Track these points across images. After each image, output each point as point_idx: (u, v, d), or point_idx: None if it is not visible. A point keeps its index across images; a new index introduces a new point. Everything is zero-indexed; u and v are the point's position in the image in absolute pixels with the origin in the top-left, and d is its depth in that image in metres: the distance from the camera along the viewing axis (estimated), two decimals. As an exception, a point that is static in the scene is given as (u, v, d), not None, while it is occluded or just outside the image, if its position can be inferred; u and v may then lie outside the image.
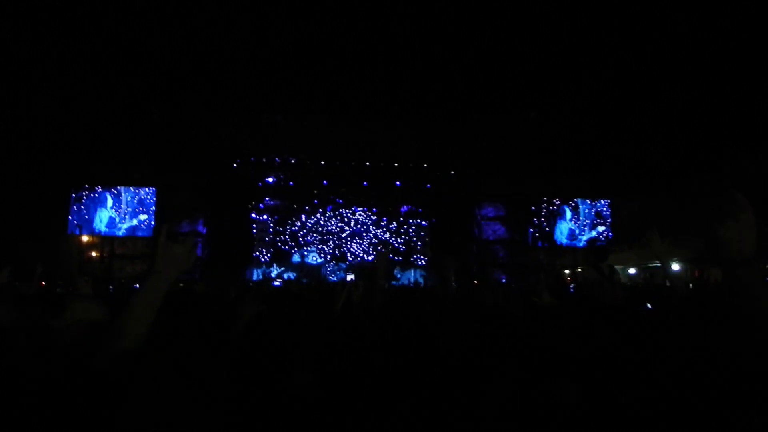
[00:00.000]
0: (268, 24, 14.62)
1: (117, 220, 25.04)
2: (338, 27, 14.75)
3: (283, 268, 26.68)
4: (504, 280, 24.98)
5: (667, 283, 4.73)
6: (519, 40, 15.28)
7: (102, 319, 2.09)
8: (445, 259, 3.28)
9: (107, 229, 25.00)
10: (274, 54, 16.06)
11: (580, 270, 25.46)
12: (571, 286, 14.53)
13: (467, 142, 23.31)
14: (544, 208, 26.72)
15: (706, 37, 14.50)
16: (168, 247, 1.74)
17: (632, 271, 23.77)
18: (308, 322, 2.83)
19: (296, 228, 27.90)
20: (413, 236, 28.40)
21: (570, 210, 26.70)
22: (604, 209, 26.73)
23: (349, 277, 24.98)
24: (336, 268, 27.07)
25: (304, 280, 18.02)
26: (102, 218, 24.91)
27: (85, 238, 25.18)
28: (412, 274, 26.44)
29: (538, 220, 26.75)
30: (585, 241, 26.58)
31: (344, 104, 19.12)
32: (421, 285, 23.05)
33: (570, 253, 26.75)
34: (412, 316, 2.96)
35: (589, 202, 26.69)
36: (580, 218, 26.68)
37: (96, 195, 24.92)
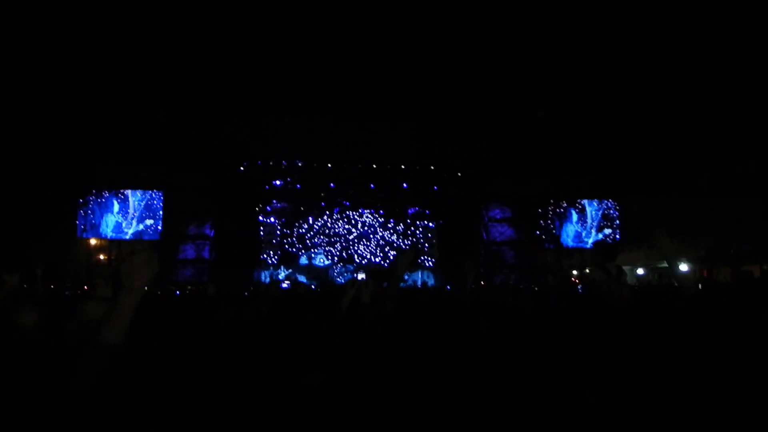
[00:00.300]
0: (274, 26, 14.70)
1: (123, 225, 25.15)
2: (343, 28, 14.82)
3: (290, 271, 26.70)
4: (511, 282, 24.90)
5: (675, 284, 4.70)
6: (524, 40, 15.29)
7: None
8: (464, 264, 3.23)
9: (114, 234, 25.12)
10: (282, 56, 16.15)
11: (588, 271, 25.36)
12: (578, 287, 14.49)
13: (473, 144, 23.30)
14: (550, 210, 26.64)
15: (716, 35, 14.47)
16: (129, 261, 1.75)
17: (641, 271, 23.65)
18: (315, 323, 2.84)
19: (303, 230, 27.93)
20: (420, 238, 28.36)
21: (576, 213, 26.60)
22: (612, 211, 26.57)
23: (360, 276, 24.95)
24: (343, 270, 27.07)
25: (313, 286, 18.08)
26: (108, 223, 25.03)
27: (93, 242, 25.34)
28: (419, 276, 26.40)
29: (545, 222, 26.70)
30: (591, 243, 26.47)
31: (350, 106, 19.17)
32: (430, 286, 23.00)
33: (578, 253, 26.64)
34: (423, 316, 2.95)
35: (596, 203, 26.55)
36: (587, 221, 26.57)
37: (103, 200, 25.03)
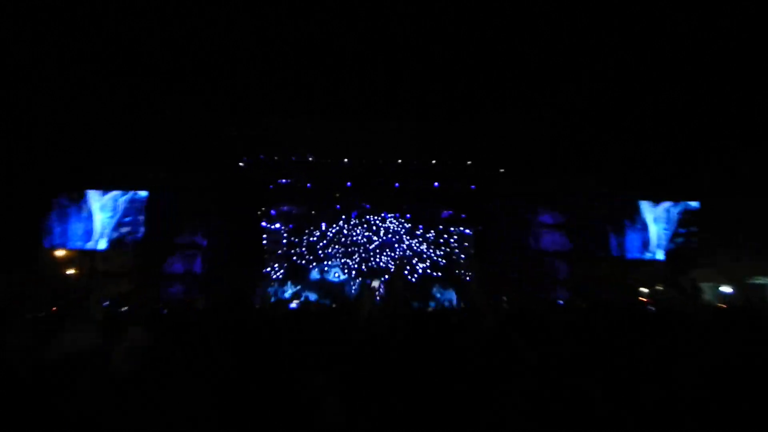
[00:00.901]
0: (274, 26, 15.35)
1: (97, 232, 24.94)
2: (344, 28, 15.49)
3: (299, 287, 26.62)
4: (561, 302, 24.68)
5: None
6: (559, 27, 15.81)
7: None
8: (394, 278, 3.38)
9: (83, 244, 25.03)
10: (282, 56, 16.76)
11: (659, 288, 25.01)
12: (650, 307, 14.36)
13: (518, 135, 23.21)
14: (612, 212, 26.27)
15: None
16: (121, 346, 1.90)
17: (727, 289, 23.17)
18: (328, 333, 2.96)
19: (315, 238, 27.97)
20: (455, 247, 28.12)
21: (644, 216, 26.22)
22: (690, 215, 26.09)
23: (375, 283, 24.85)
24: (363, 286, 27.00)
25: (327, 302, 18.20)
26: (78, 230, 24.94)
27: (61, 253, 25.08)
28: (453, 295, 26.16)
29: (605, 227, 26.34)
30: (662, 253, 26.02)
31: (351, 106, 19.76)
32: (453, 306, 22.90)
33: (644, 266, 26.21)
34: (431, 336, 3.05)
35: (668, 205, 26.17)
36: (656, 226, 26.20)
37: (74, 204, 24.95)
